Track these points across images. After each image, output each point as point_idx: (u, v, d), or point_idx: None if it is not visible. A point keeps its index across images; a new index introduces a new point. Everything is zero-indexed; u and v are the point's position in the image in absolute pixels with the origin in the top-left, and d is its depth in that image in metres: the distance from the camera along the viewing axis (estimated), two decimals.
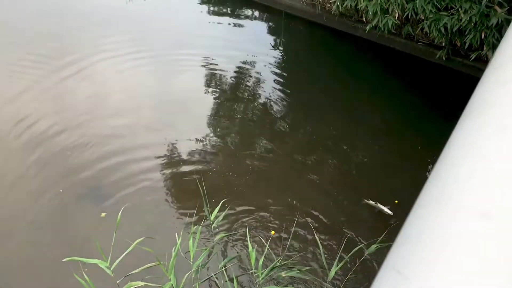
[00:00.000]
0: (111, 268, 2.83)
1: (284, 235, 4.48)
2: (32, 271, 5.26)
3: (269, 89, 8.54)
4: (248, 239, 3.46)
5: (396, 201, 6.17)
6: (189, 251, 3.23)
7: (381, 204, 5.96)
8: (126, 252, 2.90)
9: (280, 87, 8.46)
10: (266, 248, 3.30)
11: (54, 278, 5.07)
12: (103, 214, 6.03)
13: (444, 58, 8.34)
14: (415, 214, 1.39)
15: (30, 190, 6.28)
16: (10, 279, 5.18)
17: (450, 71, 8.62)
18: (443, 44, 8.16)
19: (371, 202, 5.94)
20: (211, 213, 3.54)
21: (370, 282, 5.13)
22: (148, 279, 2.98)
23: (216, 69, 8.98)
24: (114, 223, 5.64)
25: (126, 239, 3.15)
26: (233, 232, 5.27)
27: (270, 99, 8.28)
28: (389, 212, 5.77)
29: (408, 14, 8.01)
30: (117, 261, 2.86)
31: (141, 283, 2.93)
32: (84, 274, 2.83)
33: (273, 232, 3.35)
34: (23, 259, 5.39)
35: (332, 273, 3.08)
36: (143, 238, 3.05)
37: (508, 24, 6.76)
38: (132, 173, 6.73)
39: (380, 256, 5.33)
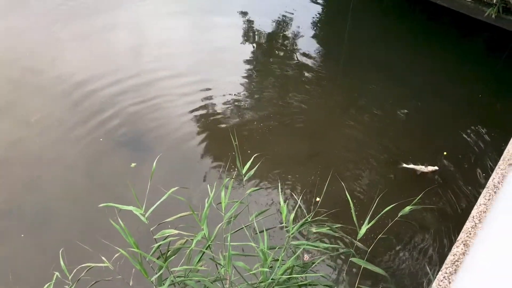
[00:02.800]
0: (146, 216, 2.88)
1: (316, 192, 4.48)
2: (70, 213, 5.47)
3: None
4: (280, 193, 3.46)
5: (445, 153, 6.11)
6: (220, 203, 3.25)
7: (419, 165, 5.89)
8: (160, 200, 2.94)
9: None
10: (298, 204, 3.30)
11: (90, 222, 5.27)
12: (133, 165, 6.13)
13: (493, 16, 7.93)
14: None
15: (72, 136, 6.47)
16: (49, 219, 5.40)
17: (498, 30, 8.23)
18: (494, 0, 7.75)
19: (411, 166, 5.87)
20: (243, 166, 3.53)
21: (401, 243, 5.13)
22: (181, 227, 3.03)
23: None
24: (148, 172, 5.77)
25: (160, 187, 3.20)
26: (265, 187, 5.32)
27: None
28: (435, 168, 5.75)
29: None
30: (152, 208, 2.91)
31: (175, 231, 2.99)
32: (119, 219, 2.89)
33: (318, 198, 3.31)
34: (62, 203, 5.60)
35: (362, 231, 3.05)
36: (177, 187, 3.08)
37: None
38: (168, 120, 6.80)
39: (413, 217, 5.31)
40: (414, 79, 7.71)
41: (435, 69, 7.97)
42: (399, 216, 3.22)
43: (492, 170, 2.08)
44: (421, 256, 5.02)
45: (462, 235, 1.81)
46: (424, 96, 7.28)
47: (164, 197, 2.98)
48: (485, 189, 1.97)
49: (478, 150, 6.35)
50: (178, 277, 3.06)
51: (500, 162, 2.06)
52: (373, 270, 3.13)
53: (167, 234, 2.97)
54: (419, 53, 8.34)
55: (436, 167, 5.80)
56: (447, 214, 5.47)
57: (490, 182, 1.98)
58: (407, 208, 3.28)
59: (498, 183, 1.92)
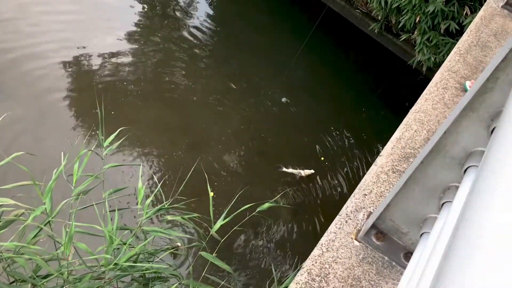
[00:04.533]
0: None
1: (179, 177, 4.35)
2: None
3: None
4: (139, 173, 3.26)
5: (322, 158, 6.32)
6: (72, 175, 2.97)
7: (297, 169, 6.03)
8: (1, 164, 2.58)
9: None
10: (158, 189, 3.14)
11: None
12: None
13: (376, 31, 8.40)
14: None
15: None
16: None
17: (377, 44, 8.74)
18: (379, 17, 8.19)
19: (290, 170, 5.98)
20: (106, 138, 3.26)
21: (255, 238, 5.23)
22: (21, 198, 2.70)
23: None
24: None
25: (1, 151, 2.81)
26: (125, 164, 5.04)
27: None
28: (311, 171, 5.90)
29: None
30: None
31: (10, 201, 2.65)
32: None
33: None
34: None
35: (216, 226, 3.01)
36: (22, 152, 2.73)
37: (442, 15, 6.90)
38: (27, 70, 6.14)
39: (270, 214, 5.44)
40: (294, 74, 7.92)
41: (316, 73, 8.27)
42: (256, 211, 3.24)
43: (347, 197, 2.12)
44: (272, 253, 5.18)
45: (308, 262, 1.80)
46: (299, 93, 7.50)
47: (4, 161, 2.63)
48: (337, 216, 1.99)
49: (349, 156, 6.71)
50: (6, 251, 2.73)
51: (356, 190, 2.10)
52: (220, 265, 3.11)
53: (1, 203, 2.63)
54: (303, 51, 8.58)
55: (312, 170, 5.98)
56: (308, 223, 5.68)
57: (343, 210, 2.00)
58: (266, 205, 3.32)
59: (351, 212, 1.95)
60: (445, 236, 1.39)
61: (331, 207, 5.75)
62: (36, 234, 2.73)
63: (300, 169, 5.99)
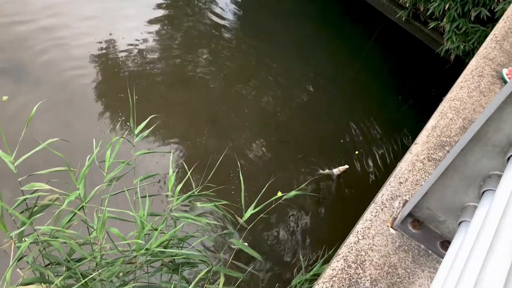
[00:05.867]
0: (15, 164, 2.56)
1: (208, 165, 4.36)
2: None
3: None
4: (170, 160, 3.29)
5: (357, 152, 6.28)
6: (104, 161, 3.01)
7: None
8: (34, 150, 2.62)
9: None
10: (188, 175, 3.16)
11: None
12: (4, 98, 5.52)
13: (403, 19, 8.26)
14: None
15: None
16: None
17: (404, 32, 8.58)
18: (407, 4, 8.04)
19: (326, 171, 5.94)
20: (137, 126, 3.30)
21: (282, 226, 5.24)
22: (55, 183, 2.75)
23: None
24: (22, 110, 5.25)
25: (35, 137, 2.86)
26: (156, 151, 5.08)
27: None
28: (345, 167, 5.86)
29: None
30: (24, 157, 2.59)
31: (46, 186, 2.70)
32: None
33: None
34: None
35: (247, 214, 3.02)
36: (57, 139, 2.77)
37: (473, 2, 6.73)
38: (62, 59, 6.24)
39: (295, 202, 5.43)
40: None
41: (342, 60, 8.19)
42: (283, 199, 3.24)
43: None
44: (298, 240, 5.18)
45: (343, 250, 1.79)
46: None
47: (39, 147, 2.67)
48: (372, 204, 1.98)
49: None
50: (42, 234, 2.79)
51: (391, 179, 2.07)
52: (251, 253, 3.13)
53: (37, 188, 2.68)
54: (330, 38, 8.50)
55: (346, 166, 5.92)
56: (333, 209, 5.66)
57: (378, 198, 1.98)
58: (292, 193, 3.32)
59: (387, 200, 1.93)
60: (490, 225, 1.36)
61: (358, 196, 5.72)
62: (71, 218, 2.79)
63: (334, 167, 5.94)
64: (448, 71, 7.51)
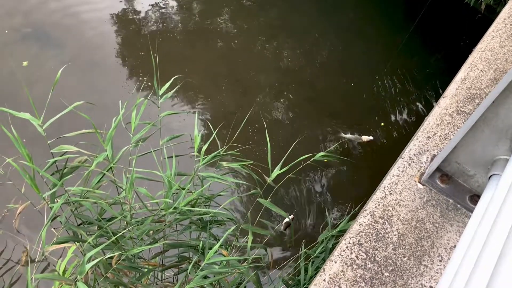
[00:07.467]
0: (43, 127, 2.60)
1: (233, 125, 4.37)
2: None
3: None
4: (195, 121, 3.29)
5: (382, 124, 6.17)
6: (130, 123, 3.04)
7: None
8: (62, 113, 2.66)
9: None
10: (213, 135, 3.16)
11: None
12: (25, 63, 5.56)
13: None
14: None
15: None
16: None
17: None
18: None
19: (349, 135, 5.85)
20: (161, 86, 3.29)
21: (309, 186, 5.25)
22: (83, 145, 2.79)
23: None
24: (47, 73, 5.31)
25: (61, 99, 2.90)
26: (182, 111, 5.10)
27: None
28: (370, 137, 5.76)
29: None
30: (51, 120, 2.63)
31: (74, 148, 2.75)
32: (12, 127, 2.59)
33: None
34: None
35: (273, 175, 3.02)
36: (82, 102, 2.80)
37: None
38: (84, 21, 6.24)
39: (320, 162, 5.42)
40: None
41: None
42: (311, 160, 3.22)
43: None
44: (324, 198, 5.20)
45: (370, 205, 1.78)
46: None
47: (66, 110, 2.71)
48: (399, 159, 1.95)
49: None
50: (73, 195, 2.87)
51: (419, 133, 2.03)
52: (277, 212, 3.16)
53: (66, 150, 2.73)
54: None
55: (371, 137, 5.83)
56: (359, 171, 5.62)
57: (406, 153, 1.95)
58: (319, 155, 3.30)
59: (414, 155, 1.90)
60: None
61: (381, 153, 5.67)
62: (100, 179, 2.84)
63: (360, 132, 5.85)
64: (478, 22, 7.22)
